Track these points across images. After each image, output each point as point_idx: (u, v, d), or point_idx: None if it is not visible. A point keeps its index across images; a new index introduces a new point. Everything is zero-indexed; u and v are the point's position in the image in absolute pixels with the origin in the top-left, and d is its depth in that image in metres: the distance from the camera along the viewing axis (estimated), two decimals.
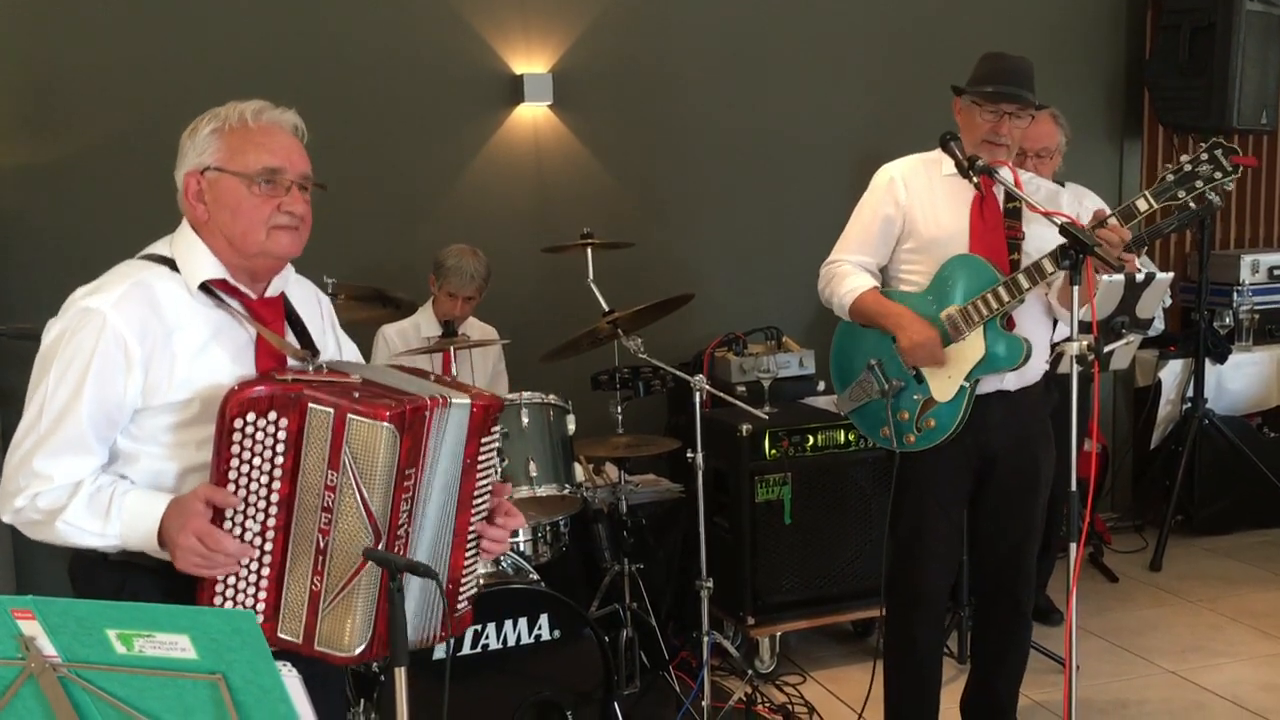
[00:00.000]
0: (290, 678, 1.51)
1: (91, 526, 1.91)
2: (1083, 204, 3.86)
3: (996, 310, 2.96)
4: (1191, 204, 2.81)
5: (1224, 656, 4.16)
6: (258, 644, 1.47)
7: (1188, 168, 2.80)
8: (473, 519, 2.09)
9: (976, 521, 3.20)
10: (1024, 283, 2.92)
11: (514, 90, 4.63)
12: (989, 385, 3.06)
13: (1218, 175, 2.78)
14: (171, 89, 4.25)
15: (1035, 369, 3.12)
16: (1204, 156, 2.79)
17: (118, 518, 1.90)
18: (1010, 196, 3.03)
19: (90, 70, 4.18)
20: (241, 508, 1.91)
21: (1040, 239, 3.04)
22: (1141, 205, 2.84)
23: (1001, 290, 2.95)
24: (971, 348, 3.01)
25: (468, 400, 2.01)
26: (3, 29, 4.11)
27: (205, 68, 4.28)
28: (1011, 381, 3.10)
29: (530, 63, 4.64)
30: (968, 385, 3.03)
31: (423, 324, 4.02)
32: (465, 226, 4.39)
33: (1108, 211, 2.88)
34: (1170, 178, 2.83)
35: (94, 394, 1.91)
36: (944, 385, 3.05)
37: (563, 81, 4.66)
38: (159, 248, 2.07)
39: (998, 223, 3.06)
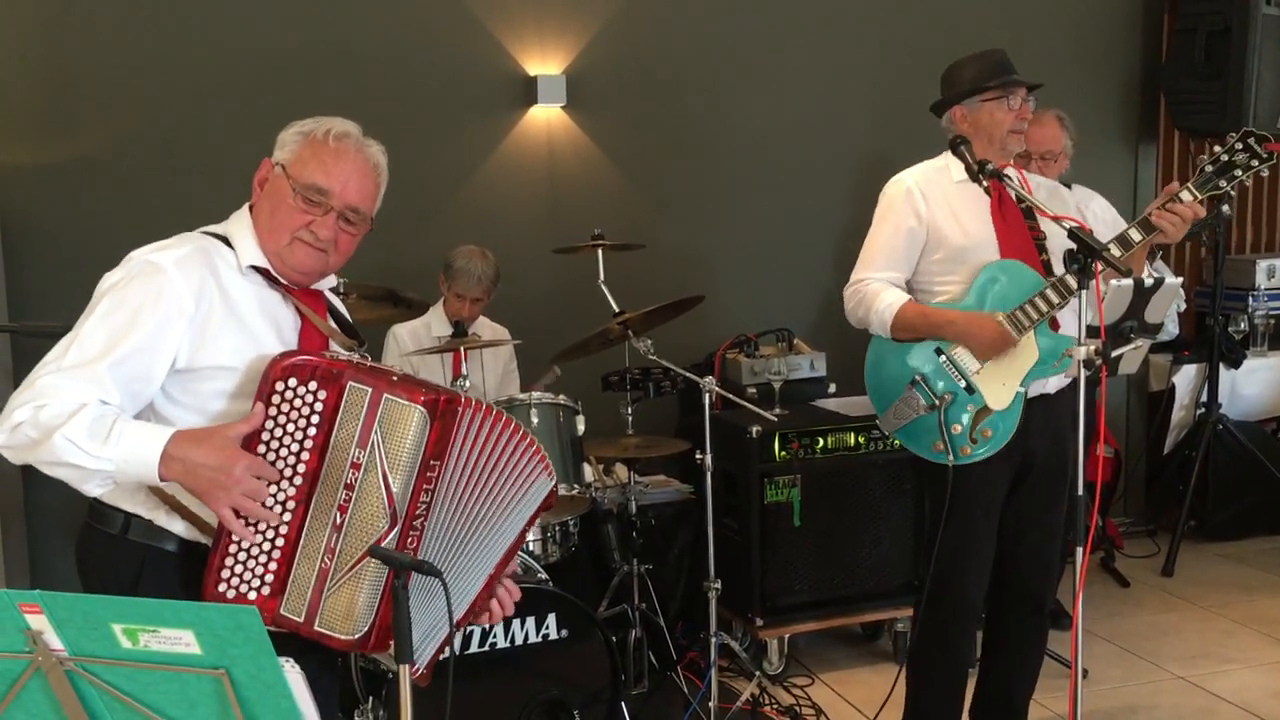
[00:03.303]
0: (293, 673, 1.52)
1: (88, 446, 1.85)
2: (1089, 206, 3.84)
3: (1047, 313, 2.94)
4: (1232, 193, 2.86)
5: (1235, 663, 4.15)
6: (261, 640, 1.49)
7: (1225, 158, 2.83)
8: (502, 576, 2.19)
9: (1007, 522, 3.15)
10: (1073, 284, 2.87)
11: (528, 91, 4.65)
12: (1033, 389, 3.04)
13: (1254, 163, 2.81)
14: (184, 89, 4.29)
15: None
16: (1239, 146, 2.82)
17: (117, 444, 1.86)
18: (1021, 197, 3.03)
19: (103, 70, 4.22)
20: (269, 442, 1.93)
21: (1058, 237, 3.04)
22: (1185, 197, 2.84)
23: (1050, 293, 2.93)
24: (1025, 353, 2.99)
25: (552, 480, 2.17)
26: (17, 29, 4.15)
27: (218, 67, 4.31)
28: (1053, 384, 3.10)
29: (544, 64, 4.66)
30: (1023, 391, 3.00)
31: (434, 324, 4.04)
32: (477, 227, 4.41)
33: (1177, 188, 2.86)
34: (1209, 168, 2.84)
35: (134, 341, 1.92)
36: (999, 393, 3.00)
37: (576, 83, 4.68)
38: (214, 227, 2.13)
39: (1020, 225, 3.05)
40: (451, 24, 4.56)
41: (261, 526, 1.93)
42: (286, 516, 1.95)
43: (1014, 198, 3.03)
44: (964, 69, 3.11)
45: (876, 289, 3.08)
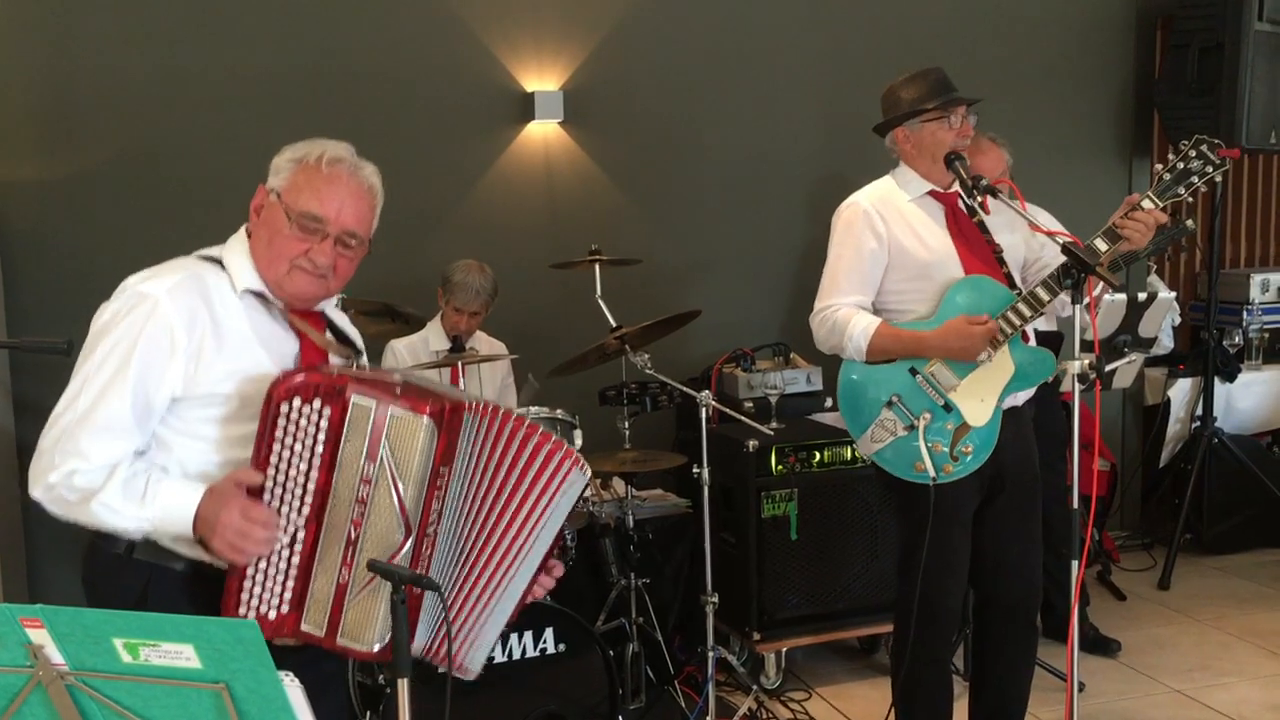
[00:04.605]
0: (293, 688, 1.53)
1: (127, 510, 1.93)
2: (1036, 220, 3.90)
3: (1020, 326, 2.95)
4: (1190, 199, 2.90)
5: (1231, 676, 4.15)
6: (261, 654, 1.49)
7: (1180, 165, 2.87)
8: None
9: (985, 538, 3.14)
10: (1044, 295, 2.90)
11: (525, 107, 4.67)
12: (1005, 402, 3.04)
13: (1209, 169, 2.85)
14: (184, 106, 4.31)
15: None
16: (1192, 153, 2.86)
17: (154, 502, 1.93)
18: (972, 211, 3.03)
19: (105, 87, 4.23)
20: (275, 493, 1.94)
21: (1012, 249, 3.08)
22: (1146, 205, 2.87)
23: (1022, 305, 2.93)
24: (1001, 367, 2.98)
25: (583, 470, 2.17)
26: (18, 47, 4.17)
27: (219, 85, 4.33)
28: (1020, 396, 3.10)
29: (542, 80, 4.68)
30: (1000, 406, 3.00)
31: (432, 338, 4.06)
32: (475, 242, 4.43)
33: (1138, 198, 2.88)
34: (1167, 177, 2.88)
35: (137, 377, 1.95)
36: (978, 409, 2.99)
37: (573, 99, 4.70)
38: (210, 251, 2.13)
39: (978, 239, 3.05)
40: (449, 40, 4.58)
41: (271, 557, 1.95)
42: (300, 534, 1.96)
43: (968, 210, 3.04)
44: (904, 90, 3.10)
45: (847, 314, 3.05)
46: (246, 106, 4.33)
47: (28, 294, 4.18)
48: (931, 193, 3.09)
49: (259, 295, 2.09)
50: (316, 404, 1.95)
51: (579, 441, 3.64)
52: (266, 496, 1.95)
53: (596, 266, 3.93)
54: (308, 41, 4.43)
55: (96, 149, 4.26)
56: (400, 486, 1.94)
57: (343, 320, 2.31)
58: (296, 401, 1.94)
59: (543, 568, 2.21)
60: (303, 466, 1.95)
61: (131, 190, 4.28)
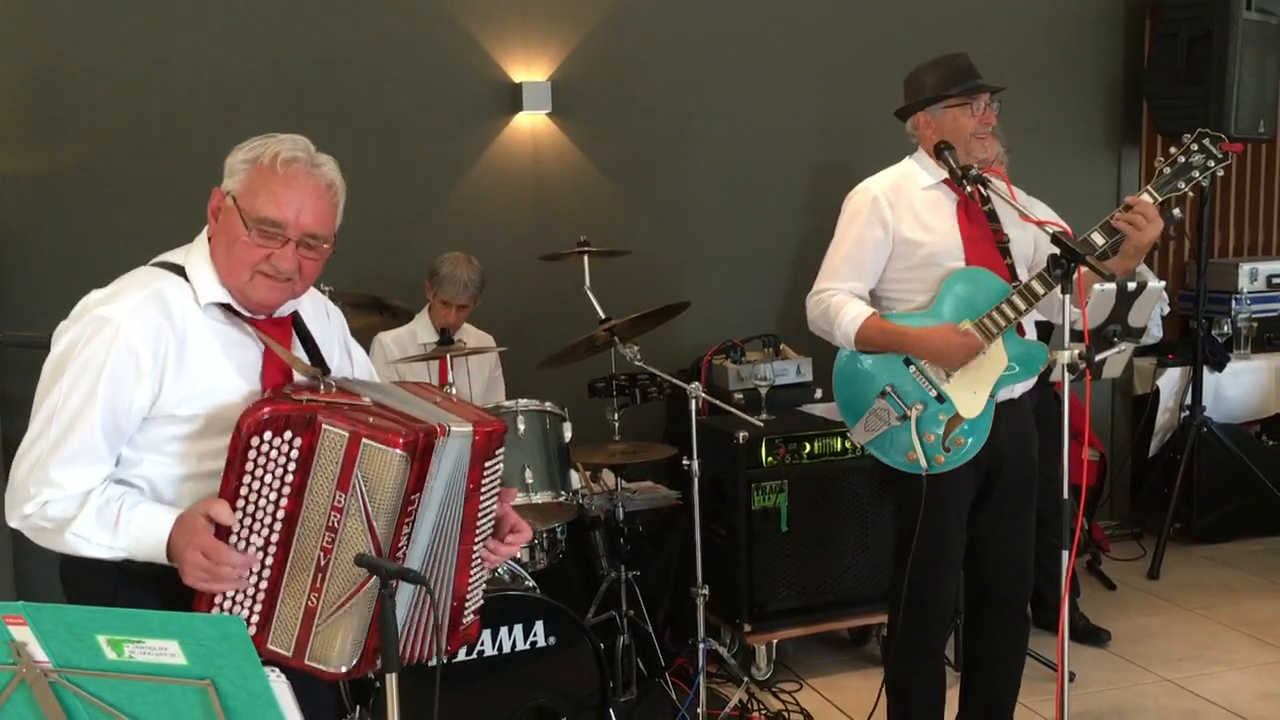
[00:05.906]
0: (279, 684, 1.52)
1: (100, 539, 1.91)
2: (1032, 212, 3.90)
3: (1014, 319, 2.94)
4: (1190, 194, 2.88)
5: (1221, 665, 4.16)
6: (246, 650, 1.48)
7: (1181, 159, 2.86)
8: (476, 540, 2.12)
9: (981, 529, 3.14)
10: (1039, 289, 2.89)
11: (513, 98, 4.65)
12: (1001, 395, 3.04)
13: (1210, 164, 2.84)
14: (174, 98, 4.28)
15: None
16: (1194, 147, 2.85)
17: (126, 531, 1.91)
18: (984, 200, 3.02)
19: (94, 79, 4.21)
20: (244, 523, 1.91)
21: (1021, 242, 3.07)
22: (1145, 199, 2.85)
23: (1016, 299, 2.92)
24: (994, 359, 2.98)
25: (469, 428, 2.01)
26: (6, 38, 4.14)
27: (207, 76, 4.30)
28: (1019, 388, 3.10)
29: (529, 71, 4.66)
30: (994, 398, 3.00)
31: (420, 331, 4.04)
32: (463, 234, 4.41)
33: (1131, 199, 2.86)
34: (1167, 170, 2.87)
35: (106, 403, 1.91)
36: (971, 401, 2.99)
37: (561, 90, 4.68)
38: (174, 256, 2.07)
39: (985, 230, 3.05)
40: (437, 31, 4.56)
41: (231, 590, 1.92)
42: (269, 560, 1.93)
43: (981, 199, 3.04)
44: (927, 74, 3.09)
45: (840, 301, 3.05)
46: (233, 101, 4.30)
47: (13, 289, 4.15)
48: (947, 181, 3.07)
49: (223, 306, 2.03)
50: (287, 435, 1.90)
51: (568, 435, 3.63)
52: (235, 526, 1.91)
53: (585, 258, 3.91)
54: (295, 34, 4.40)
55: (83, 144, 4.23)
56: (373, 519, 1.92)
57: (317, 311, 2.23)
58: (268, 435, 1.89)
59: (472, 530, 2.09)
60: (272, 496, 1.92)
61: (118, 185, 4.25)
